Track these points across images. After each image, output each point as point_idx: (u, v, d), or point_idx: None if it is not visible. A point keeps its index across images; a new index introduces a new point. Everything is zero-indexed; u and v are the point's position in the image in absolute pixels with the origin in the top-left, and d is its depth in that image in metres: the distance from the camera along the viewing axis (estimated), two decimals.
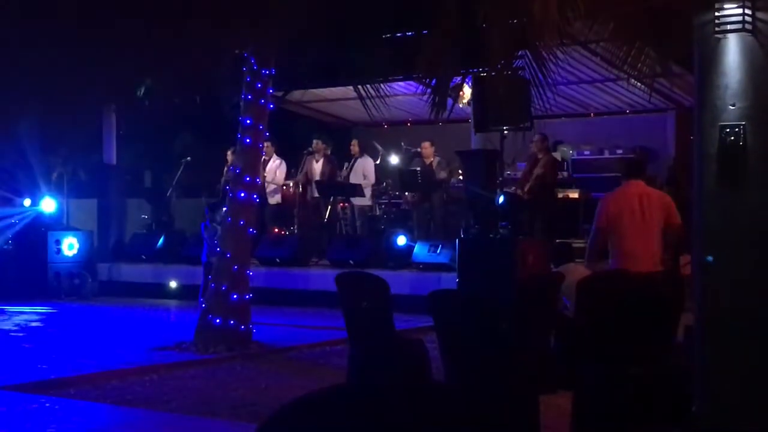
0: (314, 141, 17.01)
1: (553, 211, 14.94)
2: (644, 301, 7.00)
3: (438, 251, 14.02)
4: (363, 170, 16.60)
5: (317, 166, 16.88)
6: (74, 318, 13.58)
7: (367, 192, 16.53)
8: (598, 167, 16.82)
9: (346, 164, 16.98)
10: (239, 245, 10.86)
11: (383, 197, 17.24)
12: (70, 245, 16.97)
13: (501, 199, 13.20)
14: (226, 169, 16.02)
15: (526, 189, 14.46)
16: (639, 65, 8.21)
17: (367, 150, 17.18)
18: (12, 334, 11.88)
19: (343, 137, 18.42)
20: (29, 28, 8.27)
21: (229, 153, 15.83)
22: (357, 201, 16.51)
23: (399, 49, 11.44)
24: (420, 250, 14.31)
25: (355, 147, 16.91)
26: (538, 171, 14.48)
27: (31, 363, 9.69)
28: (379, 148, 17.67)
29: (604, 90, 16.79)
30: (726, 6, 5.73)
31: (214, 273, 10.93)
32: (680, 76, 10.62)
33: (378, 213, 17.20)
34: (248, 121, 10.87)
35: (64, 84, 8.90)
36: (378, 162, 17.37)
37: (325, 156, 16.91)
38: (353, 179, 16.53)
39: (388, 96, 11.62)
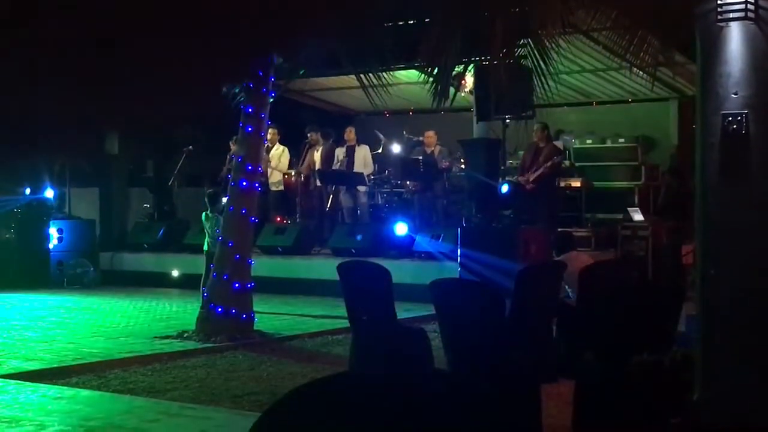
0: (309, 133, 17.03)
1: (556, 199, 14.94)
2: (646, 290, 7.00)
3: (440, 240, 14.02)
4: (364, 158, 16.59)
5: (318, 156, 16.88)
6: (76, 307, 13.59)
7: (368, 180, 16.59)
8: (600, 156, 16.81)
9: (339, 150, 16.91)
10: (241, 234, 10.86)
11: (385, 186, 17.23)
12: (72, 234, 16.98)
13: (505, 188, 13.22)
14: (228, 157, 16.00)
15: (532, 178, 14.45)
16: (641, 54, 8.19)
17: (366, 138, 17.17)
18: (14, 322, 11.90)
19: (345, 126, 18.41)
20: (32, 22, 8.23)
21: (231, 143, 15.83)
22: (361, 189, 16.52)
23: (401, 38, 11.41)
24: (421, 239, 14.31)
25: (351, 134, 16.88)
26: (555, 160, 14.43)
27: (33, 352, 9.71)
28: (381, 136, 17.65)
29: (606, 79, 16.75)
30: None
31: (216, 262, 10.94)
32: (682, 64, 10.59)
33: (380, 201, 17.20)
34: (250, 110, 10.86)
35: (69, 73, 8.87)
36: (380, 151, 17.36)
37: (326, 145, 16.90)
38: (356, 168, 16.52)
39: (390, 85, 11.60)
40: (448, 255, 13.22)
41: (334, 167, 16.84)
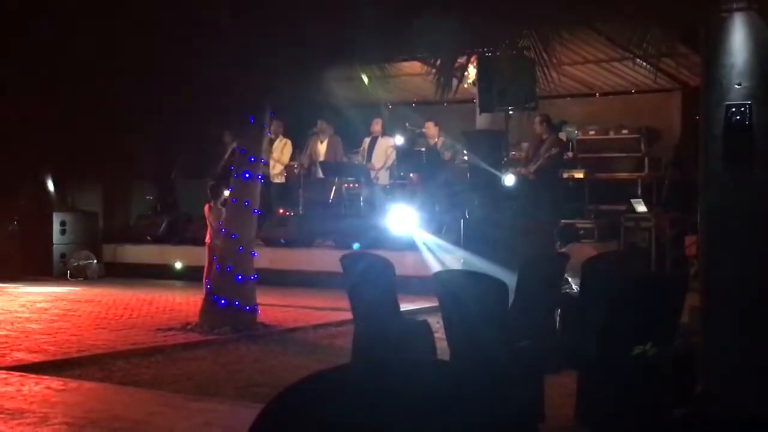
0: (318, 122, 16.96)
1: (559, 191, 14.93)
2: (649, 282, 6.99)
3: (443, 232, 14.00)
4: (385, 151, 16.56)
5: (322, 147, 16.85)
6: (80, 299, 13.61)
7: (387, 173, 16.56)
8: (603, 147, 16.79)
9: (365, 141, 16.90)
10: (244, 226, 10.86)
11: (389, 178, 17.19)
12: (75, 227, 16.99)
13: (509, 180, 13.20)
14: (230, 150, 15.98)
15: (533, 169, 14.43)
16: (645, 45, 8.16)
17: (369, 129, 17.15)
18: (18, 314, 11.91)
19: (348, 117, 18.35)
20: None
21: (225, 135, 15.89)
22: (382, 182, 16.52)
23: (404, 29, 11.37)
24: (424, 231, 14.29)
25: (377, 126, 16.83)
26: (552, 151, 14.43)
27: (36, 343, 9.72)
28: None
29: (609, 70, 16.71)
30: None
31: (218, 254, 10.94)
32: (686, 55, 10.57)
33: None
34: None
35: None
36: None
37: (330, 137, 16.88)
38: (376, 159, 16.50)
39: (393, 76, 11.57)
40: (447, 249, 13.21)
41: (356, 158, 16.83)
